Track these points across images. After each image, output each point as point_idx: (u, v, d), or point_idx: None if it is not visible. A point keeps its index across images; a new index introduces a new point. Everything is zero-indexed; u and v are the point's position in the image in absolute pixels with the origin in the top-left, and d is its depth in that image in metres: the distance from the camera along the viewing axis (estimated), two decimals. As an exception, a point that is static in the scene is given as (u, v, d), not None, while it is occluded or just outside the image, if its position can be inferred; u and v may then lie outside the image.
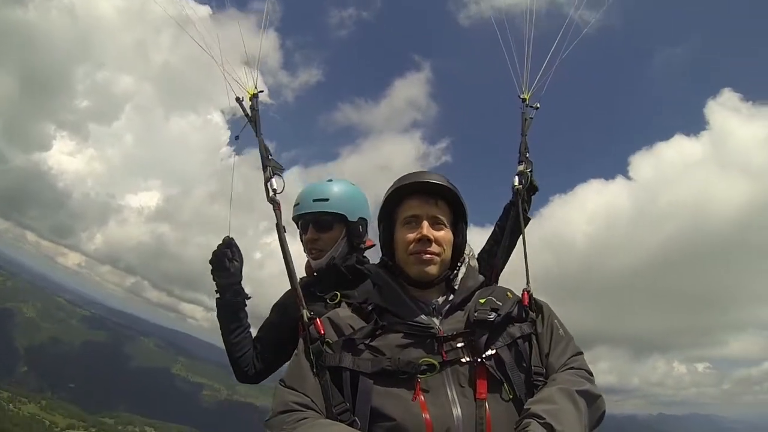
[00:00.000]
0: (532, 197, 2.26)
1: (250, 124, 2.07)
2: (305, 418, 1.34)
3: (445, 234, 1.58)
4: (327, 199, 2.20)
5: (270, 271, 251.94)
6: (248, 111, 2.08)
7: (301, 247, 2.32)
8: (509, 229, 2.19)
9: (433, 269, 1.55)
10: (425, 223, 1.55)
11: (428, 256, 1.53)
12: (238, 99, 2.09)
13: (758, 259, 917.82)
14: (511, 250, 2.22)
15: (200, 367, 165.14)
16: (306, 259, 2.34)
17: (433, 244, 1.54)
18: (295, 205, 2.28)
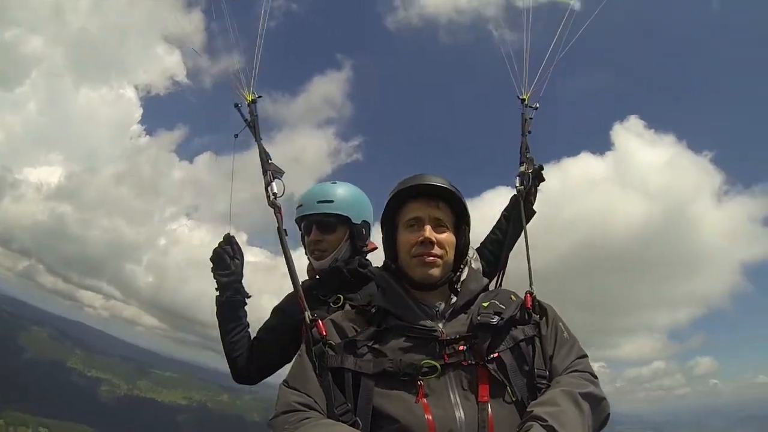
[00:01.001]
0: (538, 189, 2.31)
1: (249, 130, 2.11)
2: (308, 418, 1.37)
3: (447, 236, 1.60)
4: (332, 201, 2.23)
5: (175, 259, 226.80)
6: (247, 116, 2.13)
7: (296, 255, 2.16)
8: (512, 229, 2.26)
9: (436, 272, 1.56)
10: (427, 226, 1.57)
11: (431, 258, 1.55)
12: (236, 105, 2.14)
13: (649, 271, 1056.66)
14: (513, 246, 2.28)
15: (98, 360, 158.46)
16: (307, 263, 2.36)
17: (436, 247, 1.56)
18: (298, 207, 2.31)
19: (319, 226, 2.23)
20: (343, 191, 2.28)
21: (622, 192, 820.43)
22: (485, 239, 2.43)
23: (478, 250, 2.21)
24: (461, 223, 1.67)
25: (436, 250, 1.57)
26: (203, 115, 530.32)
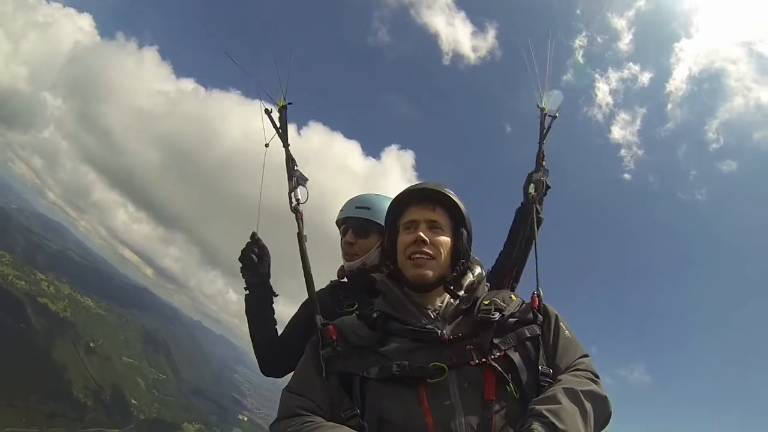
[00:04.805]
0: (544, 198, 2.31)
1: (279, 136, 2.16)
2: (309, 422, 1.37)
3: (441, 237, 1.64)
4: (368, 208, 2.36)
5: None
6: (277, 123, 2.17)
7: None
8: (523, 235, 2.23)
9: (428, 272, 1.60)
10: (422, 226, 1.63)
11: (423, 257, 1.60)
12: (267, 111, 2.18)
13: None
14: (526, 256, 2.26)
15: None
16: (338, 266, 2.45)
17: (429, 245, 1.60)
18: (340, 211, 2.46)
19: (354, 229, 2.37)
20: (381, 202, 2.38)
21: (358, 192, 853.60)
22: (498, 258, 2.40)
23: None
24: (459, 227, 1.70)
25: (429, 249, 1.61)
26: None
